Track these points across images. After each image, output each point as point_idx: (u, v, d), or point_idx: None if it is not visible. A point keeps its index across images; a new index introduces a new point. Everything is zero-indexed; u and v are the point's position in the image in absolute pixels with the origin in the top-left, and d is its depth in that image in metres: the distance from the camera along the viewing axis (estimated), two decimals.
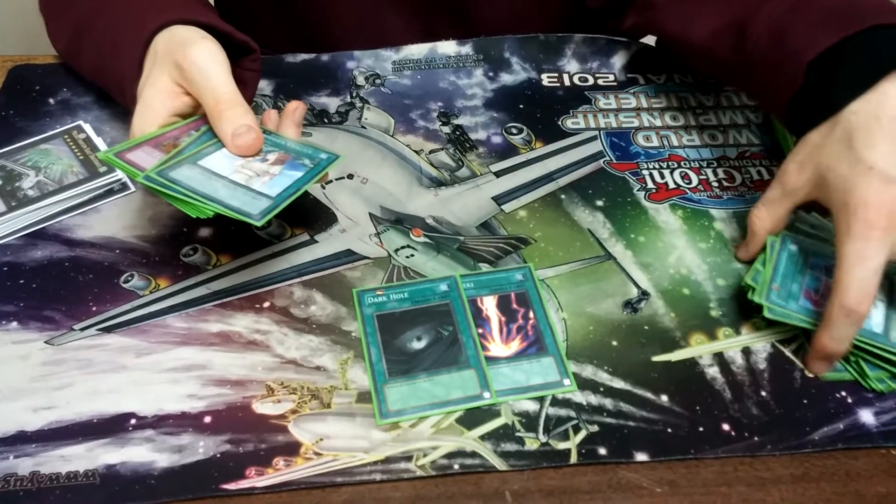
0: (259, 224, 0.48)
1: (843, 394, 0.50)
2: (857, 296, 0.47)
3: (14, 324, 0.52)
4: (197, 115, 0.55)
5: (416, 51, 0.74)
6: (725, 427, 0.48)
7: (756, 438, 0.48)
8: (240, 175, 0.50)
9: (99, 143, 0.63)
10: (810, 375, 0.51)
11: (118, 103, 0.66)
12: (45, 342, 0.52)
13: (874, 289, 0.47)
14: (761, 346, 0.53)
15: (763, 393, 0.50)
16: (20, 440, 0.47)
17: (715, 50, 0.62)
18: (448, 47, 0.74)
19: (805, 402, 0.50)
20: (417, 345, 0.52)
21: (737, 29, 0.59)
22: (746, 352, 0.52)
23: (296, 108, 0.57)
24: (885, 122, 0.49)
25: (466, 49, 0.74)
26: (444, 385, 0.49)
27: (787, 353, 0.52)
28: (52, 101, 0.68)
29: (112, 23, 0.60)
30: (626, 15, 0.72)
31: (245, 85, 0.59)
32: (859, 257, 0.47)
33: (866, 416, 0.49)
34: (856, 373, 0.51)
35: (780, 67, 0.55)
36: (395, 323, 0.53)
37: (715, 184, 0.64)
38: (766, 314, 0.51)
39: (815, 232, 0.58)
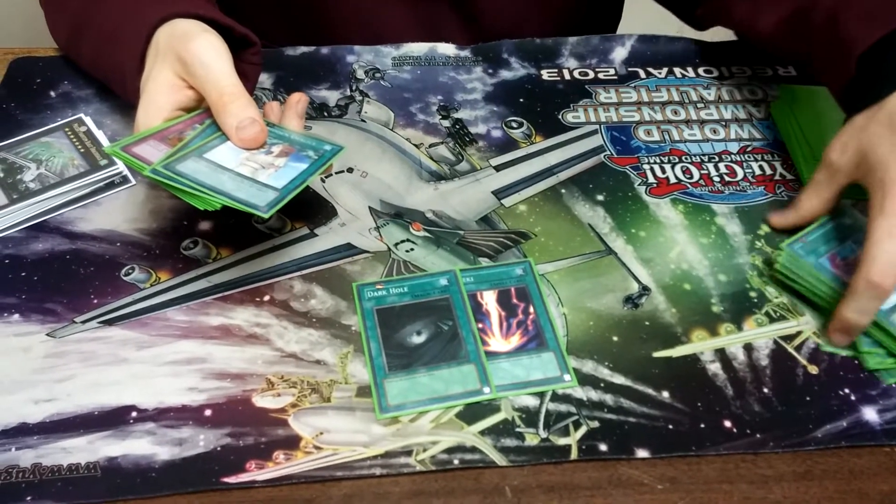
0: (266, 216, 0.48)
1: (847, 391, 0.50)
2: (883, 270, 0.48)
3: (16, 316, 0.52)
4: (201, 108, 0.54)
5: (416, 49, 0.74)
6: (727, 424, 0.48)
7: (758, 435, 0.48)
8: (245, 167, 0.50)
9: (100, 135, 0.63)
10: (813, 372, 0.51)
11: (119, 96, 0.66)
12: (47, 335, 0.52)
13: None
14: (763, 342, 0.53)
15: (765, 389, 0.50)
16: (22, 432, 0.47)
17: (780, 39, 0.65)
18: (447, 49, 0.74)
19: (808, 399, 0.50)
20: (417, 339, 0.51)
21: (799, 19, 0.61)
22: (748, 348, 0.52)
23: (298, 100, 0.56)
24: None
25: (465, 53, 0.73)
26: (443, 380, 0.49)
27: (790, 349, 0.52)
28: (53, 93, 0.68)
29: (112, 16, 0.60)
30: (698, 5, 0.73)
31: (246, 78, 0.59)
32: (889, 233, 0.48)
33: (870, 414, 0.49)
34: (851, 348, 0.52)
35: (835, 58, 0.57)
36: (394, 317, 0.53)
37: (716, 178, 0.63)
38: (779, 258, 0.53)
39: None
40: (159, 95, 0.53)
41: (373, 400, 0.48)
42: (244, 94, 0.52)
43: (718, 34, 0.77)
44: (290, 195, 0.49)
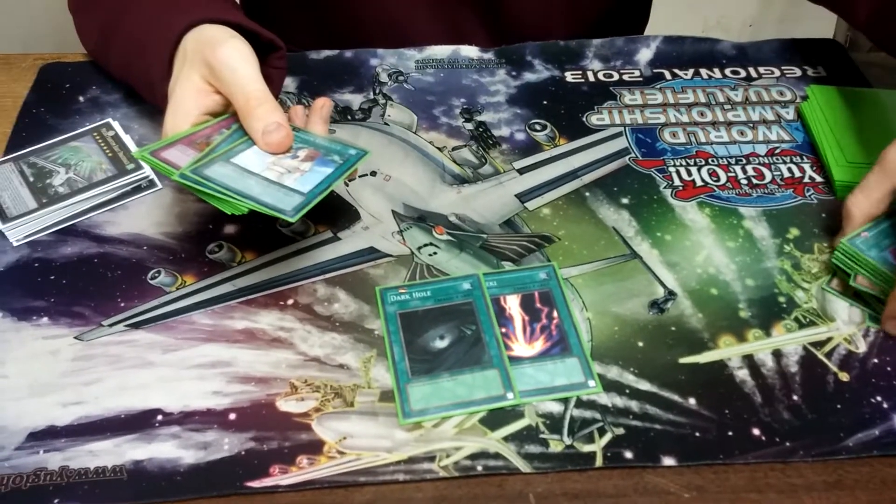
0: (293, 220, 0.48)
1: (879, 399, 0.49)
2: None
3: (45, 319, 0.53)
4: (227, 113, 0.55)
5: (440, 51, 0.74)
6: (756, 432, 0.47)
7: (788, 444, 0.47)
8: (271, 172, 0.51)
9: (127, 140, 0.64)
10: (844, 379, 0.50)
11: (146, 101, 0.67)
12: (75, 338, 0.52)
13: None
14: (793, 348, 0.52)
15: (795, 397, 0.49)
16: (50, 435, 0.47)
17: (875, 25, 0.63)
18: (471, 51, 0.73)
19: (839, 406, 0.49)
20: (440, 344, 0.51)
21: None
22: (777, 354, 0.51)
23: (323, 105, 0.57)
24: None
25: (489, 55, 0.73)
26: (467, 385, 0.49)
27: (820, 356, 0.51)
28: (81, 98, 0.69)
29: (139, 22, 0.60)
30: None
31: (271, 82, 0.59)
32: None
33: None
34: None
35: None
36: (417, 321, 0.52)
37: (744, 181, 0.62)
38: (837, 251, 0.53)
39: None
40: (187, 100, 0.53)
41: (395, 405, 0.48)
42: (270, 99, 0.52)
43: (745, 34, 0.76)
44: (317, 199, 0.49)
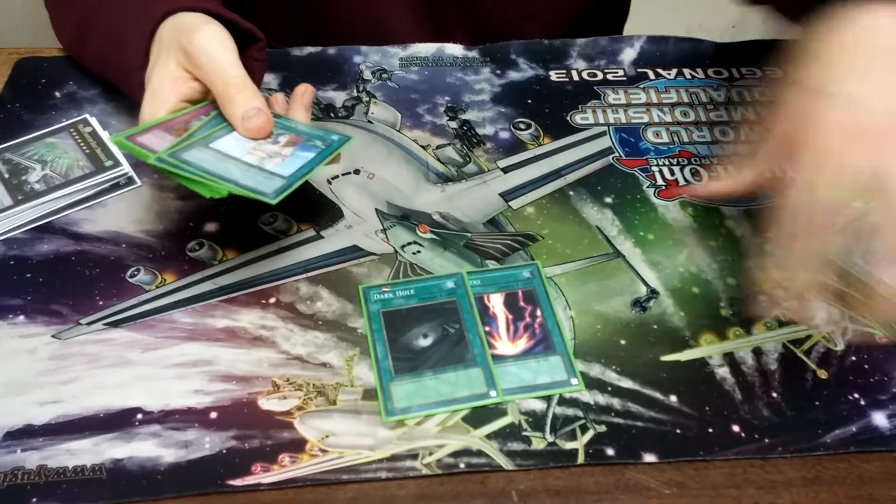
0: (273, 202, 0.47)
1: (856, 396, 0.50)
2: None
3: (21, 318, 0.52)
4: (206, 100, 0.54)
5: (424, 49, 0.73)
6: (735, 428, 0.48)
7: (767, 440, 0.47)
8: (252, 156, 0.50)
9: (105, 136, 0.63)
10: (822, 377, 0.51)
11: (124, 96, 0.66)
12: (52, 336, 0.51)
13: None
14: (772, 346, 0.52)
15: (774, 394, 0.50)
16: (27, 434, 0.47)
17: None
18: (455, 49, 0.73)
19: (817, 403, 0.49)
20: (424, 342, 0.51)
21: None
22: (757, 352, 0.52)
23: (304, 92, 0.56)
24: None
25: (473, 53, 0.73)
26: (450, 383, 0.49)
27: (799, 353, 0.52)
28: (58, 94, 0.68)
29: (116, 14, 0.60)
30: None
31: (252, 75, 0.58)
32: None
33: (880, 419, 0.48)
34: None
35: None
36: (401, 320, 0.52)
37: None
38: None
39: None
40: (164, 88, 0.53)
41: (378, 403, 0.48)
42: (250, 84, 0.52)
43: (726, 35, 0.76)
44: (298, 182, 0.49)
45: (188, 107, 0.53)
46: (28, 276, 0.55)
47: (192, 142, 0.50)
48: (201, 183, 0.48)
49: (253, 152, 0.51)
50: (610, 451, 0.47)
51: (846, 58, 0.45)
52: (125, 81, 0.60)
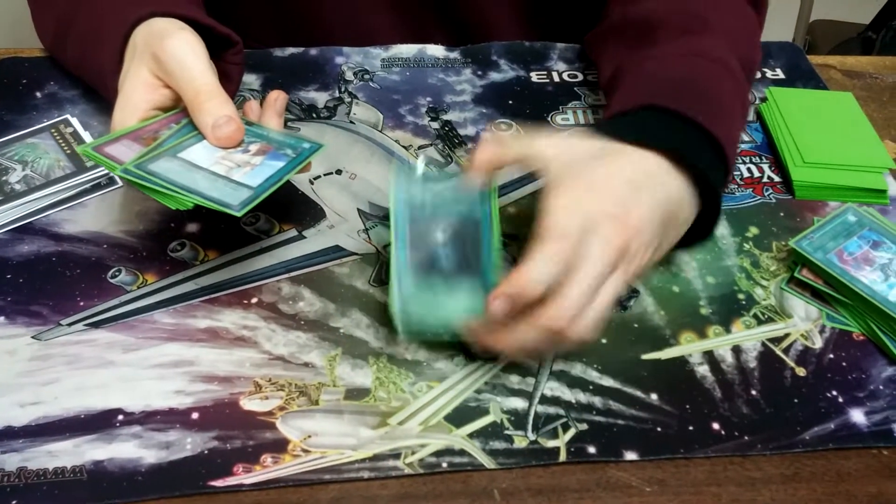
0: (239, 215, 0.47)
1: (834, 393, 0.50)
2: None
3: (1, 319, 0.52)
4: (178, 108, 0.54)
5: (405, 50, 0.74)
6: (715, 426, 0.48)
7: (746, 438, 0.48)
8: (220, 166, 0.50)
9: (86, 137, 0.63)
10: (801, 374, 0.51)
11: (105, 97, 0.65)
12: (32, 337, 0.51)
13: None
14: (752, 344, 0.53)
15: (753, 392, 0.50)
16: (7, 436, 0.46)
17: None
18: (436, 51, 0.74)
19: (796, 401, 0.50)
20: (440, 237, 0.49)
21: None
22: (737, 350, 0.52)
23: (276, 98, 0.56)
24: None
25: (455, 55, 0.73)
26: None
27: (778, 351, 0.52)
28: (39, 94, 0.68)
29: (94, 16, 0.60)
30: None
31: (229, 79, 0.59)
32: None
33: (857, 416, 0.49)
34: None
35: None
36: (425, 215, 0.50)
37: None
38: (793, 243, 0.55)
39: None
40: (135, 94, 0.52)
41: (395, 319, 0.47)
42: (221, 93, 0.51)
43: None
44: (265, 194, 0.48)
45: (159, 114, 0.53)
46: (8, 276, 0.54)
47: (161, 151, 0.50)
48: (167, 195, 0.48)
49: (221, 162, 0.50)
50: (591, 450, 0.47)
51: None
52: (101, 84, 0.60)
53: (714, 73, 0.56)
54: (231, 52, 0.59)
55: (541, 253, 0.44)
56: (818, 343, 0.53)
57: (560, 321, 0.44)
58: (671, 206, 0.48)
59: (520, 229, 0.59)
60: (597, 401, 0.49)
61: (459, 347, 0.51)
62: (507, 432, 0.48)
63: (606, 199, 0.46)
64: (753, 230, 0.60)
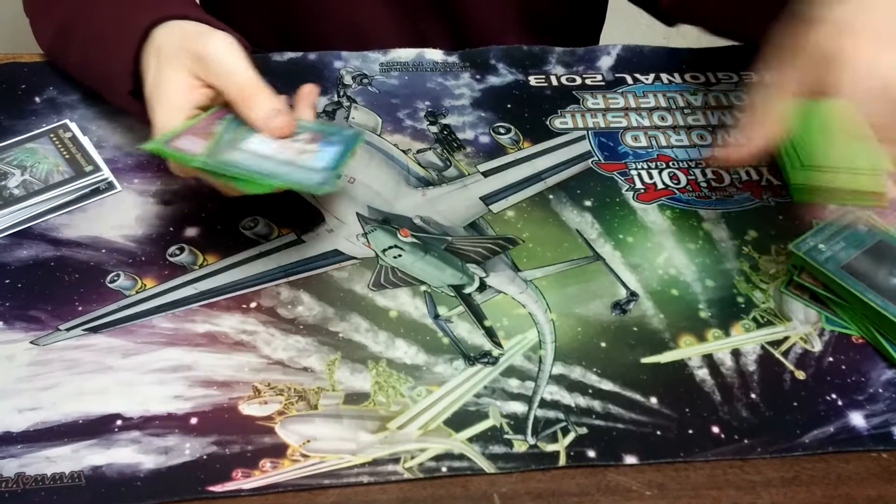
0: (332, 189, 0.49)
1: (834, 396, 0.50)
2: None
3: None
4: (215, 106, 0.54)
5: (404, 54, 0.74)
6: (715, 430, 0.48)
7: (746, 441, 0.48)
8: (285, 154, 0.51)
9: (85, 141, 0.63)
10: (800, 378, 0.51)
11: (105, 102, 0.65)
12: (31, 342, 0.51)
13: None
14: (751, 347, 0.53)
15: (753, 395, 0.50)
16: (5, 441, 0.46)
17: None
18: (435, 55, 0.74)
19: (795, 404, 0.50)
20: None
21: None
22: (736, 354, 0.52)
23: (310, 91, 0.57)
24: None
25: (453, 59, 0.73)
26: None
27: (777, 354, 0.52)
28: (37, 99, 0.68)
29: (100, 21, 0.60)
30: None
31: None
32: None
33: (857, 419, 0.49)
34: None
35: None
36: None
37: (703, 184, 0.64)
38: (792, 247, 0.55)
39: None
40: (177, 97, 0.53)
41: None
42: (265, 87, 0.53)
43: (702, 40, 0.77)
44: (341, 168, 0.51)
45: (200, 113, 0.53)
46: (7, 281, 0.54)
47: (223, 144, 0.51)
48: (248, 181, 0.49)
49: (284, 151, 0.51)
50: (591, 453, 0.47)
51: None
52: (107, 87, 0.60)
53: None
54: None
55: None
56: (817, 346, 0.53)
57: None
58: None
59: (518, 233, 0.59)
60: (596, 404, 0.49)
61: (459, 351, 0.51)
62: (506, 436, 0.48)
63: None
64: (752, 233, 0.60)
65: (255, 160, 0.50)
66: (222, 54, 0.53)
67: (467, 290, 0.55)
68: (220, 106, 0.54)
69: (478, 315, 0.54)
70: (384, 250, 0.57)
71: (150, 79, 0.54)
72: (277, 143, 0.52)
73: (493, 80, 0.72)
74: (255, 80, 0.52)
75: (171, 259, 0.56)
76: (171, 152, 0.50)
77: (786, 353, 0.53)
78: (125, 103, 0.58)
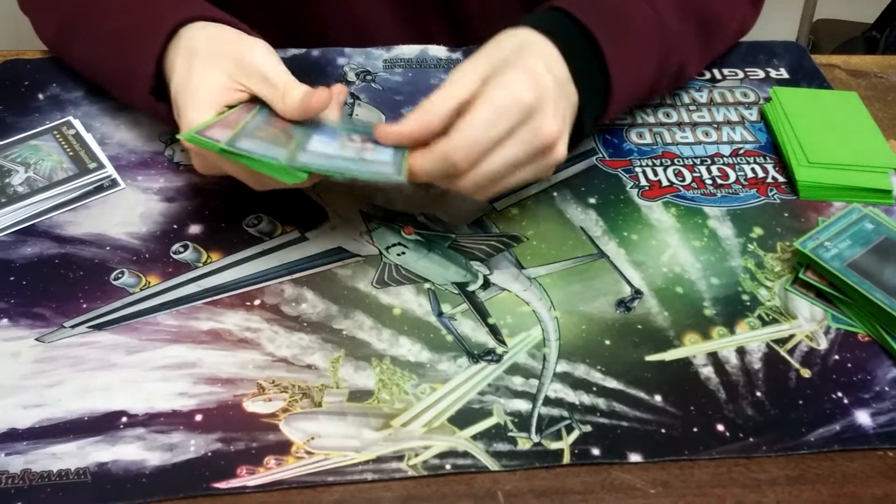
0: (405, 179, 0.49)
1: (840, 395, 0.50)
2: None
3: (4, 321, 0.52)
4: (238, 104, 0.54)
5: (408, 51, 0.74)
6: (720, 427, 0.48)
7: (751, 439, 0.48)
8: (348, 151, 0.51)
9: (88, 138, 0.63)
10: (806, 375, 0.51)
11: (108, 98, 0.65)
12: (36, 339, 0.51)
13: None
14: (756, 345, 0.53)
15: (758, 393, 0.50)
16: (11, 438, 0.46)
17: None
18: (439, 51, 0.74)
19: (800, 402, 0.50)
20: None
21: None
22: (741, 351, 0.52)
23: (340, 91, 0.57)
24: None
25: (457, 55, 0.73)
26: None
27: (783, 352, 0.52)
28: (41, 96, 0.68)
29: (115, 17, 0.59)
30: None
31: None
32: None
33: (863, 418, 0.49)
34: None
35: None
36: None
37: (709, 181, 0.63)
38: (797, 244, 0.54)
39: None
40: (213, 96, 0.52)
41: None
42: (301, 85, 0.53)
43: None
44: (404, 158, 0.50)
45: (227, 109, 0.53)
46: (11, 278, 0.54)
47: (246, 130, 0.51)
48: (279, 169, 0.48)
49: (345, 150, 0.52)
50: (595, 451, 0.47)
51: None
52: (125, 85, 0.59)
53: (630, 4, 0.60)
54: None
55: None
56: (823, 344, 0.53)
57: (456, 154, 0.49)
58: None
59: (522, 230, 0.59)
60: (601, 402, 0.49)
61: (463, 349, 0.51)
62: (510, 434, 0.47)
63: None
64: (758, 231, 0.60)
65: (326, 160, 0.50)
66: (263, 61, 0.53)
67: (471, 288, 0.55)
68: (248, 101, 0.54)
69: (482, 312, 0.54)
70: (388, 248, 0.57)
71: (179, 78, 0.54)
72: (337, 142, 0.52)
73: None
74: (294, 82, 0.53)
75: (174, 256, 0.56)
76: (202, 140, 0.49)
77: (791, 351, 0.52)
78: (144, 101, 0.58)
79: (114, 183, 0.61)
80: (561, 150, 0.52)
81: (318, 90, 0.52)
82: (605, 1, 0.59)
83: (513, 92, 0.49)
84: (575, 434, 0.48)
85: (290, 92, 0.52)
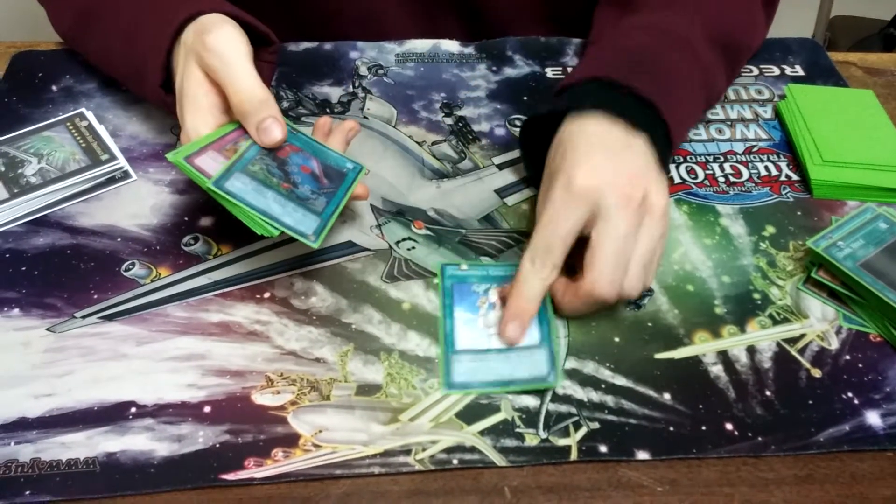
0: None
1: (850, 395, 0.50)
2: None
3: (16, 311, 0.52)
4: None
5: (420, 45, 0.73)
6: (728, 426, 0.48)
7: (760, 438, 0.47)
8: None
9: (101, 130, 0.63)
10: (816, 375, 0.51)
11: (121, 91, 0.66)
12: (47, 329, 0.51)
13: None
14: (766, 344, 0.52)
15: (767, 392, 0.50)
16: (21, 427, 0.47)
17: None
18: (451, 46, 0.73)
19: (810, 402, 0.49)
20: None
21: None
22: (751, 350, 0.52)
23: (351, 128, 0.58)
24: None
25: (469, 50, 0.73)
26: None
27: (793, 352, 0.52)
28: (54, 88, 0.68)
29: (129, 12, 0.60)
30: None
31: (261, 75, 0.59)
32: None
33: (873, 418, 0.48)
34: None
35: None
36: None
37: (721, 179, 0.63)
38: (810, 243, 0.54)
39: None
40: (198, 96, 0.52)
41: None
42: (263, 94, 0.51)
43: None
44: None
45: (229, 125, 0.52)
46: (23, 269, 0.55)
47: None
48: (253, 220, 0.48)
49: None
50: (603, 448, 0.47)
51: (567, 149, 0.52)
52: (135, 80, 0.59)
53: (666, 46, 0.58)
54: (267, 50, 0.60)
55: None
56: (834, 344, 0.52)
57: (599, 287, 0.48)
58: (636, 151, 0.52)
59: (532, 226, 0.59)
60: (609, 399, 0.49)
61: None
62: (518, 430, 0.47)
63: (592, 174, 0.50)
64: (770, 229, 0.59)
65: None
66: (221, 50, 0.51)
67: None
68: None
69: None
70: (398, 242, 0.57)
71: (179, 75, 0.54)
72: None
73: (509, 72, 0.72)
74: (256, 88, 0.51)
75: (185, 248, 0.56)
76: (189, 169, 0.48)
77: (802, 351, 0.52)
78: (155, 95, 0.58)
79: (126, 175, 0.61)
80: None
81: (273, 125, 0.51)
82: (640, 50, 0.58)
83: (616, 227, 0.49)
84: (583, 431, 0.47)
85: (249, 108, 0.51)
